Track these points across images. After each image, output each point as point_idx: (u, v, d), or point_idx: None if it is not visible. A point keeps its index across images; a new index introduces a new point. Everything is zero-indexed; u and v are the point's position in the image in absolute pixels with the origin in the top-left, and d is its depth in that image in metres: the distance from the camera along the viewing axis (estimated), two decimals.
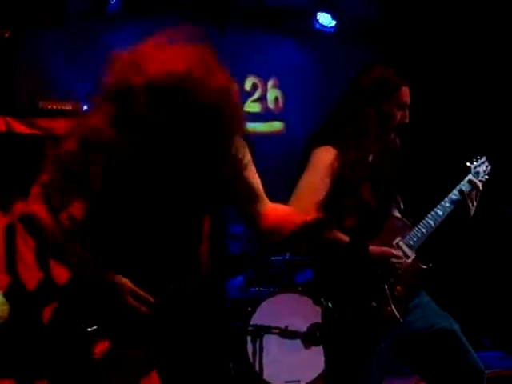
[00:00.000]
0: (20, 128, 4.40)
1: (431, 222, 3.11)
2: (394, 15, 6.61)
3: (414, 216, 3.18)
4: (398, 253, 3.02)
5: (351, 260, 2.98)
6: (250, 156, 2.51)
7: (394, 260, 2.99)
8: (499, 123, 6.17)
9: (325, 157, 3.02)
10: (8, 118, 4.39)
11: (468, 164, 3.30)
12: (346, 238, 2.97)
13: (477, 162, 3.32)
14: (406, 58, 6.15)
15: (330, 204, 2.93)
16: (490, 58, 6.21)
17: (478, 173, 3.27)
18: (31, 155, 4.15)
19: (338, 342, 3.01)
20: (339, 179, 3.00)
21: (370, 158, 3.14)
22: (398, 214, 3.18)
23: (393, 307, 2.96)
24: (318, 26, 6.73)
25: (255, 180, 2.54)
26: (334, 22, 6.69)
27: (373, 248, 2.98)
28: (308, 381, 4.72)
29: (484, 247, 6.24)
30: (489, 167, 3.33)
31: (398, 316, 2.96)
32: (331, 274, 3.03)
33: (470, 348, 3.02)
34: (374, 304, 2.96)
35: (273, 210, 2.54)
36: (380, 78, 3.10)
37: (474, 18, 6.12)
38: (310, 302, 4.80)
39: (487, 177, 3.31)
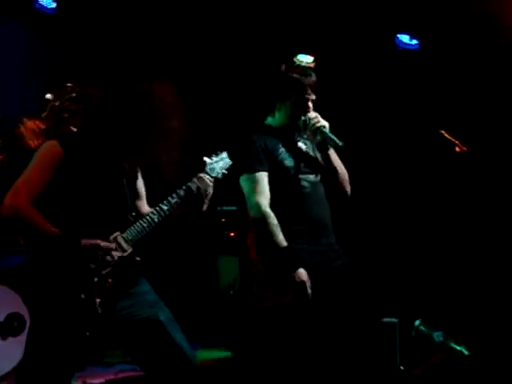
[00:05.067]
0: None
1: (154, 217, 3.17)
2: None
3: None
4: (111, 246, 3.04)
5: (61, 252, 2.98)
6: None
7: (104, 254, 3.02)
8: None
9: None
10: None
11: (205, 159, 3.38)
12: (56, 231, 2.98)
13: (216, 157, 3.41)
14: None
15: None
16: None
17: (213, 169, 3.35)
18: None
19: (43, 331, 3.00)
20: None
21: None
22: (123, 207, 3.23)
23: (97, 299, 2.99)
24: (37, 5, 6.46)
25: None
26: (54, 4, 6.47)
27: (83, 242, 2.99)
28: (4, 372, 4.54)
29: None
30: (228, 163, 3.43)
31: (98, 308, 2.99)
32: (41, 265, 3.01)
33: (179, 338, 3.14)
34: (82, 296, 2.98)
35: None
36: None
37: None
38: (8, 290, 4.63)
39: (225, 172, 3.41)
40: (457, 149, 3.93)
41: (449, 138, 3.96)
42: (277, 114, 3.81)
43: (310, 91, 3.76)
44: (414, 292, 5.78)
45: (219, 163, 3.40)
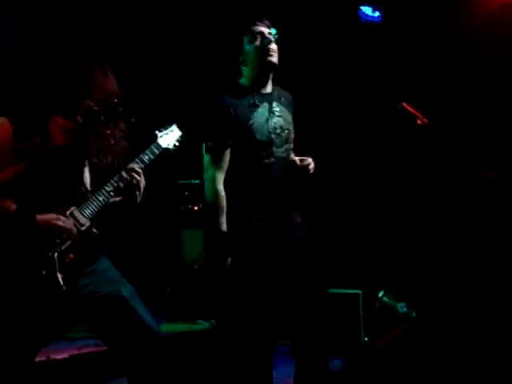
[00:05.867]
0: None
1: (109, 189, 3.16)
2: None
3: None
4: (67, 221, 3.03)
5: (16, 229, 2.96)
6: None
7: (62, 228, 3.01)
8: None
9: None
10: None
11: (156, 132, 3.38)
12: (13, 207, 2.97)
13: (165, 129, 3.41)
14: None
15: None
16: None
17: (163, 141, 3.37)
18: None
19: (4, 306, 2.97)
20: None
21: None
22: (85, 183, 3.22)
23: (59, 275, 2.97)
24: None
25: None
26: None
27: (38, 217, 2.98)
28: None
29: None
30: (179, 134, 3.43)
31: (62, 283, 2.98)
32: None
33: (142, 313, 3.16)
34: (43, 272, 2.96)
35: None
36: None
37: None
38: None
39: (176, 143, 3.43)
40: (418, 121, 3.93)
41: (410, 110, 3.96)
42: (244, 72, 3.67)
43: (262, 35, 3.62)
44: (378, 263, 5.83)
45: (169, 135, 3.39)
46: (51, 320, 3.06)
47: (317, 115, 4.08)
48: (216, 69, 4.83)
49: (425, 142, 4.25)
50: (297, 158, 3.70)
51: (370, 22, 5.86)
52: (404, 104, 3.96)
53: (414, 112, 3.96)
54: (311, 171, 3.70)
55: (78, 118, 3.13)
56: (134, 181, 3.18)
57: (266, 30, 3.63)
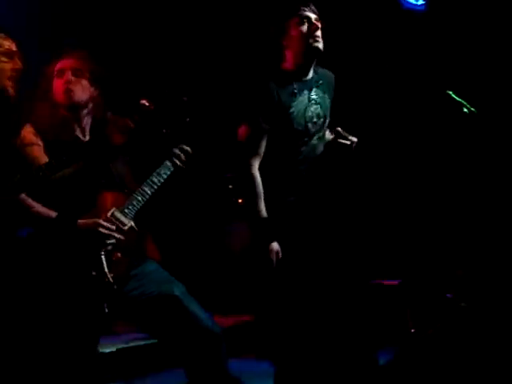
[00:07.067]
0: None
1: (146, 189, 3.21)
2: None
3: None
4: (107, 224, 3.07)
5: (59, 235, 3.02)
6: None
7: (104, 230, 3.06)
8: None
9: None
10: None
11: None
12: (53, 214, 3.03)
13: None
14: None
15: None
16: None
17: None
18: None
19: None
20: None
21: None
22: (114, 185, 3.26)
23: (108, 274, 3.02)
24: None
25: None
26: None
27: (80, 222, 3.04)
28: None
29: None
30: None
31: (112, 281, 3.02)
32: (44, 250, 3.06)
33: (197, 310, 3.18)
34: (93, 273, 3.02)
35: None
36: None
37: None
38: None
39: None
40: (465, 110, 3.87)
41: (457, 98, 3.90)
42: (288, 57, 3.66)
43: (309, 21, 3.61)
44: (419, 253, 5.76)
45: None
46: (104, 318, 3.09)
47: (362, 104, 4.03)
48: (257, 52, 4.79)
49: (471, 131, 4.19)
50: (341, 129, 3.72)
51: (412, 10, 5.75)
52: (450, 92, 3.91)
53: (461, 101, 3.90)
54: (352, 147, 3.71)
55: (136, 117, 3.15)
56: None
57: (313, 16, 3.62)
